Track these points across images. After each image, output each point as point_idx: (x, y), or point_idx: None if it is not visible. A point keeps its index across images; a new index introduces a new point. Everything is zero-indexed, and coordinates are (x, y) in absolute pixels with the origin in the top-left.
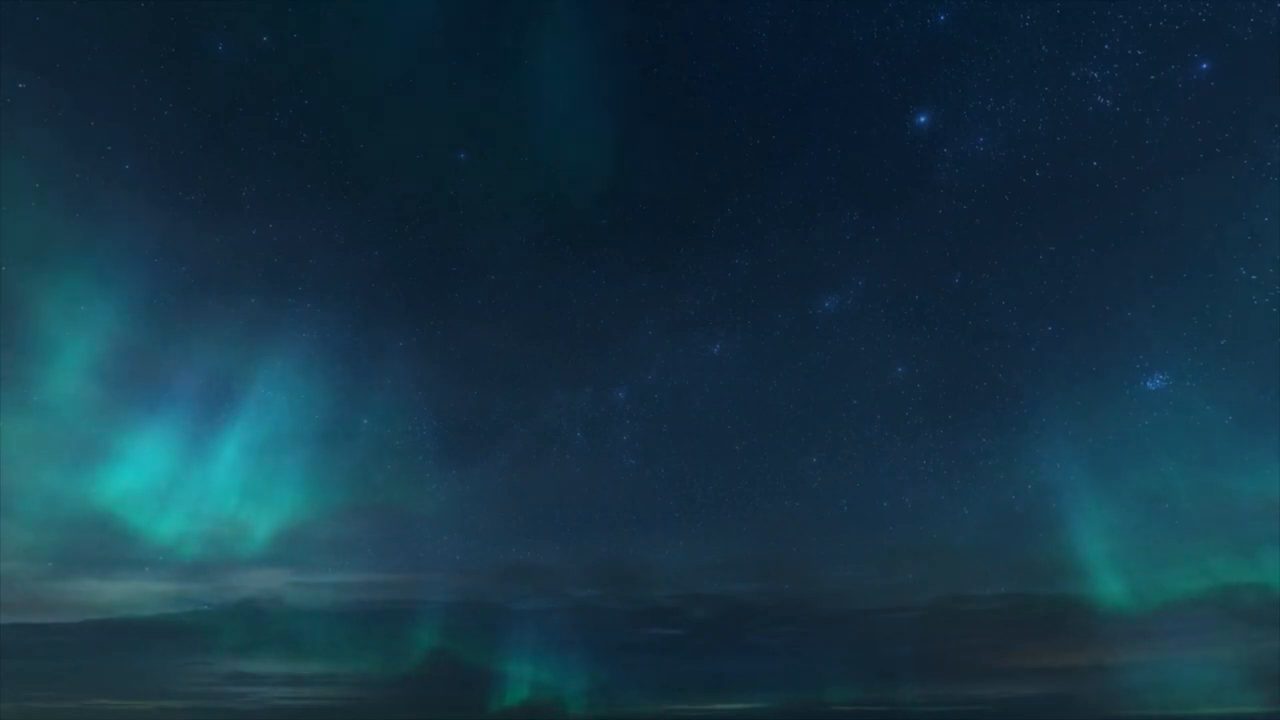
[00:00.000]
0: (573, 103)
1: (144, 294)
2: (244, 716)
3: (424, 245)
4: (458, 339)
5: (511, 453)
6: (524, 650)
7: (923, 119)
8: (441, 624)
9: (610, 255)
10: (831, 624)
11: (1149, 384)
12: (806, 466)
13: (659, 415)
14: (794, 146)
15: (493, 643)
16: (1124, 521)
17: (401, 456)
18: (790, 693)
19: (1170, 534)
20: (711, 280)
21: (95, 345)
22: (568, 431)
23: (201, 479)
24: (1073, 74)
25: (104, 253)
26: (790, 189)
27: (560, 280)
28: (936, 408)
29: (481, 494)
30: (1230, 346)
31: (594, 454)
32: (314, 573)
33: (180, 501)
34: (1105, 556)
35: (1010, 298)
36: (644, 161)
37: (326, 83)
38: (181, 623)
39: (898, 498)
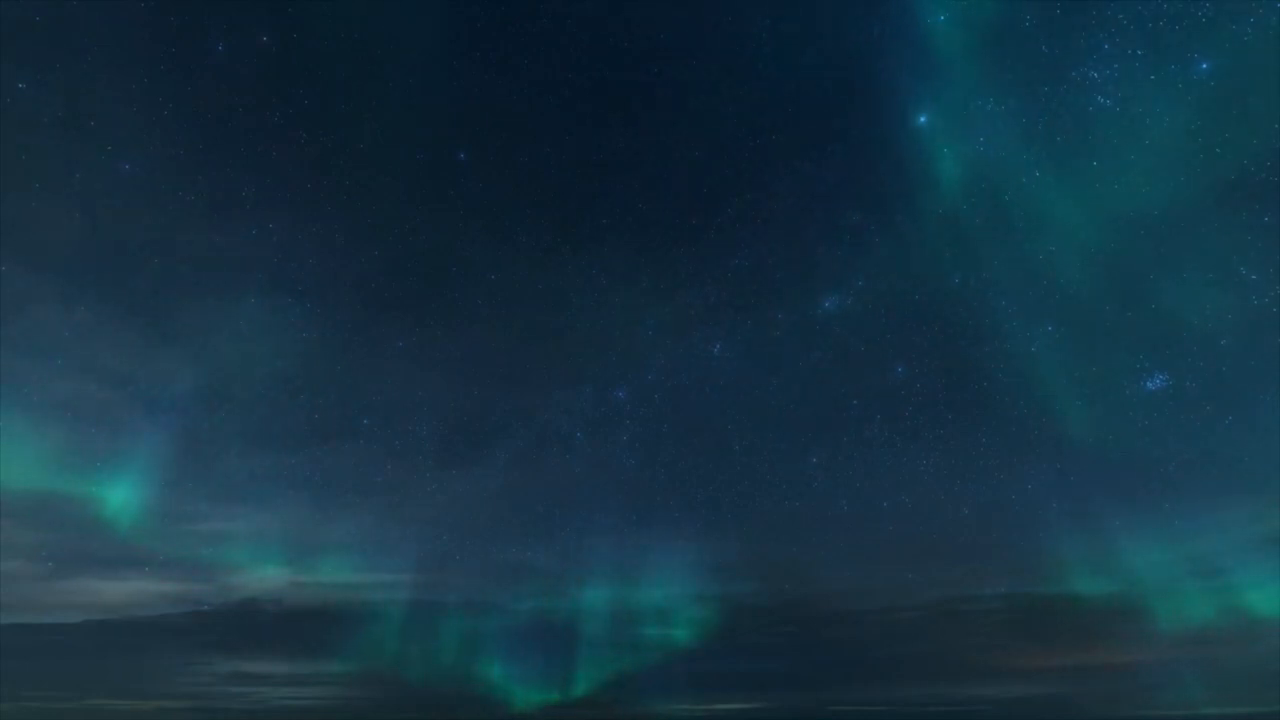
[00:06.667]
0: (572, 102)
1: (144, 294)
2: (244, 716)
3: (424, 245)
4: (458, 339)
5: (511, 453)
6: (523, 650)
7: (923, 119)
8: (441, 624)
9: (610, 255)
10: (831, 624)
11: (1149, 384)
12: (806, 466)
13: (659, 415)
14: (794, 146)
15: (492, 643)
16: (1124, 522)
17: (401, 456)
18: (790, 693)
19: (1171, 534)
20: (711, 280)
21: (95, 345)
22: (568, 431)
23: (202, 479)
24: (1073, 74)
25: (104, 253)
26: (790, 189)
27: (560, 280)
28: (936, 408)
29: (481, 494)
30: (1230, 346)
31: (594, 454)
32: (314, 573)
33: (180, 501)
34: (1106, 556)
35: (1010, 298)
36: (644, 161)
37: (326, 83)
38: (181, 623)
39: (898, 498)
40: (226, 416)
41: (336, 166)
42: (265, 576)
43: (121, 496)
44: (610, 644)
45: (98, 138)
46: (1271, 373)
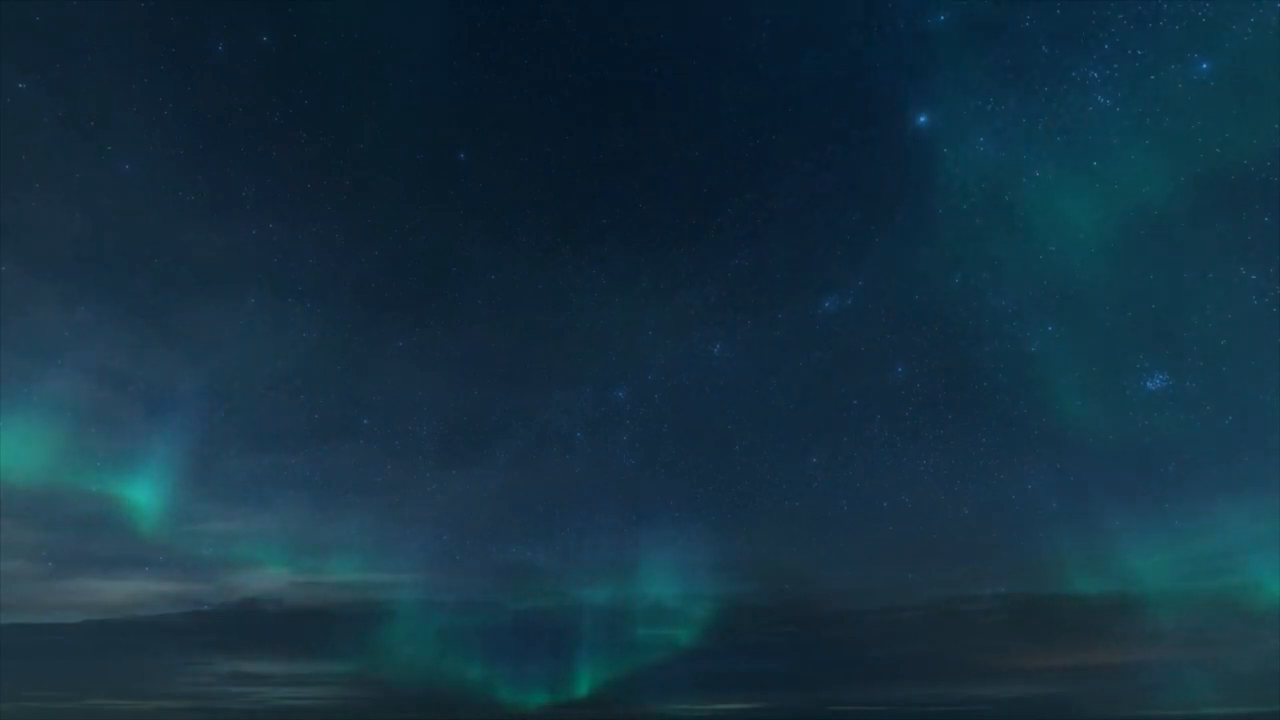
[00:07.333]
0: (572, 102)
1: (144, 294)
2: (244, 716)
3: (424, 245)
4: (458, 339)
5: (511, 453)
6: (523, 650)
7: (923, 119)
8: (441, 624)
9: (610, 255)
10: (831, 624)
11: (1149, 384)
12: (806, 466)
13: (659, 415)
14: (794, 146)
15: (492, 643)
16: (1125, 522)
17: (401, 456)
18: (790, 693)
19: (1171, 534)
20: (711, 280)
21: (95, 345)
22: (568, 431)
23: (202, 479)
24: (1073, 74)
25: (104, 253)
26: (790, 189)
27: (560, 280)
28: (936, 408)
29: (481, 494)
30: (1230, 346)
31: (594, 454)
32: (314, 573)
33: (180, 501)
34: (1106, 557)
35: (1010, 298)
36: (644, 161)
37: (326, 83)
38: (181, 623)
39: (898, 498)
40: (226, 416)
41: (336, 166)
42: (265, 576)
43: (122, 497)
44: (610, 644)
45: (98, 138)
46: (1271, 373)
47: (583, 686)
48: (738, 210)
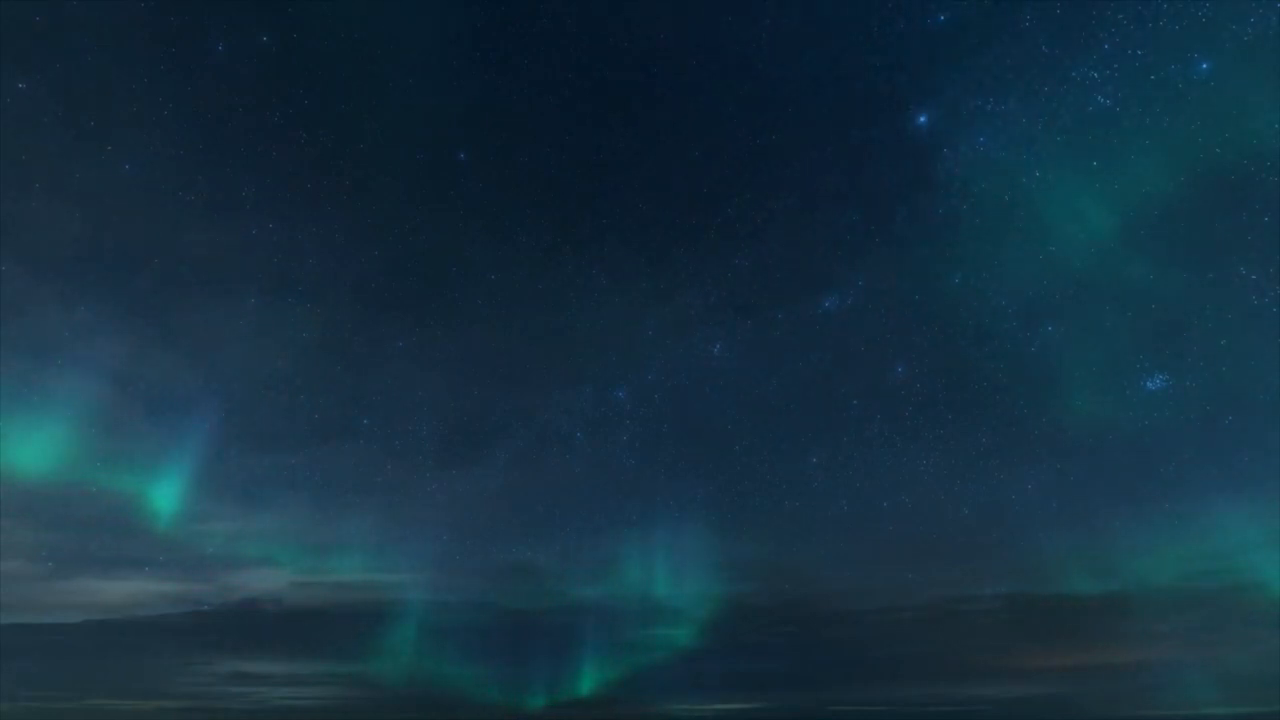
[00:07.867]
0: (572, 102)
1: (144, 294)
2: (244, 716)
3: (424, 245)
4: (458, 339)
5: (511, 453)
6: (523, 651)
7: (923, 119)
8: (441, 624)
9: (610, 255)
10: (831, 624)
11: (1149, 384)
12: (806, 466)
13: (659, 415)
14: (794, 146)
15: (493, 643)
16: (1125, 522)
17: (401, 456)
18: (790, 693)
19: (1170, 534)
20: (711, 280)
21: (95, 345)
22: (568, 431)
23: (202, 479)
24: (1073, 74)
25: (104, 253)
26: (790, 189)
27: (560, 280)
28: (936, 408)
29: (481, 494)
30: (1230, 346)
31: (594, 454)
32: (314, 573)
33: (181, 501)
34: (1106, 557)
35: (1010, 298)
36: (644, 161)
37: (326, 83)
38: (181, 623)
39: (898, 498)
40: (226, 416)
41: (336, 166)
42: (265, 576)
43: (122, 497)
44: (610, 644)
45: (98, 138)
46: (1271, 373)
47: (583, 686)
48: (738, 210)
